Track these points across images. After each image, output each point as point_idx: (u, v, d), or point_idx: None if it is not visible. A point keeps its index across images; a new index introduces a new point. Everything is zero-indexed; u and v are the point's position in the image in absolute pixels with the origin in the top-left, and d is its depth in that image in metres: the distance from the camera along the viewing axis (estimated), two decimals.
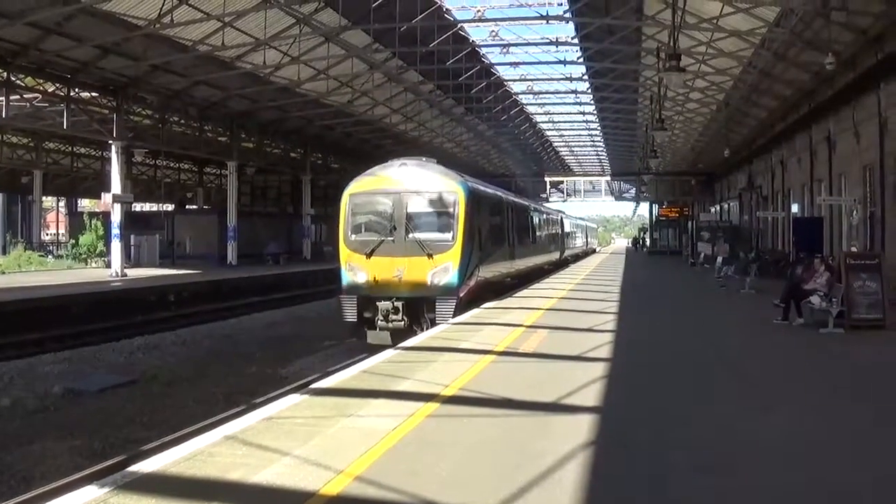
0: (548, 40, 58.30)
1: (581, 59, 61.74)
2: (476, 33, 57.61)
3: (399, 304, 29.38)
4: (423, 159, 33.83)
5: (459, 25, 53.48)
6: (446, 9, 50.48)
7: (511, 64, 65.94)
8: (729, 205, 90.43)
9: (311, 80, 55.09)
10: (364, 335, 30.31)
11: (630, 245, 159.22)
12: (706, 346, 22.69)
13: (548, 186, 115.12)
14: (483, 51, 61.25)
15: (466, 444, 11.54)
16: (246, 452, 10.93)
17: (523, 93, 78.45)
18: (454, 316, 28.34)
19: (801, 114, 48.72)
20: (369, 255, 30.38)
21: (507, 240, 41.76)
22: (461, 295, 30.17)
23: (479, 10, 53.08)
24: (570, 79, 69.30)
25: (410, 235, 30.44)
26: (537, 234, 58.42)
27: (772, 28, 38.35)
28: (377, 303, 29.70)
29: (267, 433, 11.94)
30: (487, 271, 35.08)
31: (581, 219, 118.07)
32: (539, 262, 57.76)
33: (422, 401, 14.05)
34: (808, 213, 51.47)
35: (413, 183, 31.35)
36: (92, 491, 9.51)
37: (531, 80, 73.44)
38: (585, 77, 68.21)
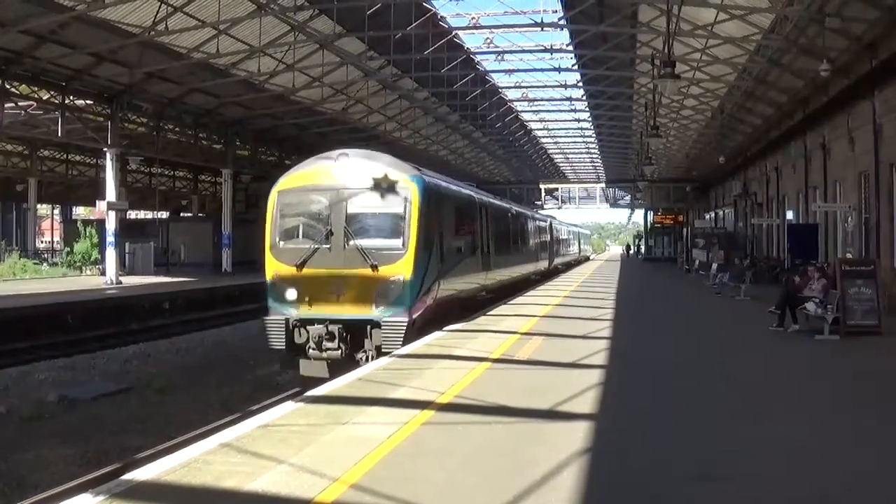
0: (542, 48, 58.30)
1: (576, 67, 61.82)
2: (471, 41, 57.85)
3: (335, 329, 24.03)
4: (373, 152, 28.39)
5: (454, 33, 53.40)
6: (441, 16, 50.42)
7: (506, 71, 65.95)
8: (724, 212, 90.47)
9: (305, 88, 55.11)
10: (297, 365, 25.34)
11: (623, 252, 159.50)
12: (701, 353, 22.68)
13: (543, 193, 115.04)
14: (478, 58, 61.24)
15: (462, 452, 11.51)
16: (241, 460, 10.92)
17: (518, 100, 78.42)
18: (405, 343, 23.06)
19: (796, 120, 48.67)
20: (300, 268, 24.88)
21: (480, 247, 35.72)
22: (415, 316, 24.62)
23: (473, 18, 52.98)
24: (565, 86, 69.30)
25: (351, 242, 24.70)
26: (521, 240, 53.11)
27: (766, 35, 38.42)
28: (308, 327, 24.38)
29: (262, 441, 11.93)
30: (453, 285, 29.52)
31: (574, 225, 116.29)
32: (524, 271, 53.18)
33: (417, 408, 14.03)
34: (803, 220, 51.48)
35: (355, 177, 25.51)
36: (87, 499, 9.48)
37: (526, 87, 73.37)
38: (580, 84, 68.24)
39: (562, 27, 50.40)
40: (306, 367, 24.83)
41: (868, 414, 14.46)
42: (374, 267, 24.46)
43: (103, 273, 55.93)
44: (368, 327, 24.22)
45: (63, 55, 43.24)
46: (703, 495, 9.90)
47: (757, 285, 42.49)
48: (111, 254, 53.55)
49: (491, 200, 42.55)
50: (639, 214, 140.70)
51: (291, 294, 24.92)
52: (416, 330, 24.79)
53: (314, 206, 26.24)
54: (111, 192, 52.79)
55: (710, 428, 13.26)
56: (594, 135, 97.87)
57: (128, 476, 10.59)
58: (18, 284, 50.34)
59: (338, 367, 22.88)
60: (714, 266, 53.26)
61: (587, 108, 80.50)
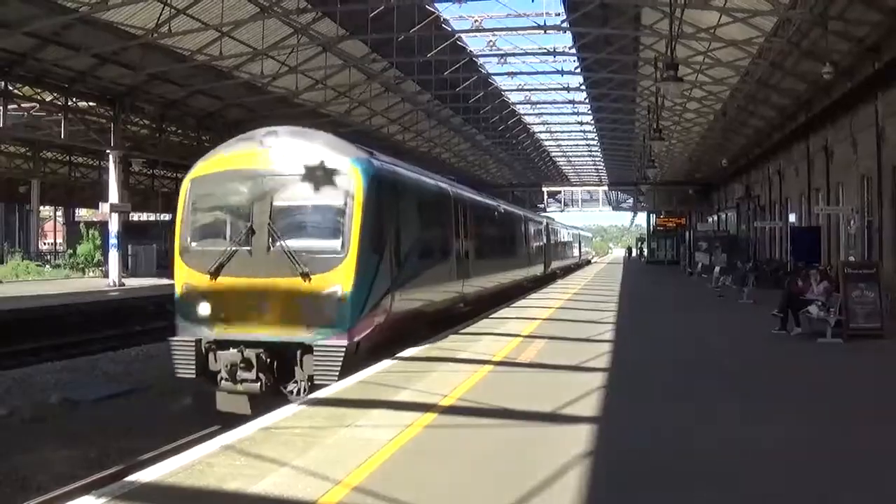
0: (545, 50, 58.36)
1: (579, 69, 61.87)
2: (474, 43, 57.86)
3: (252, 355, 19.37)
4: (310, 130, 22.96)
5: (457, 35, 53.57)
6: (444, 19, 50.56)
7: (509, 74, 66.17)
8: (727, 214, 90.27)
9: (308, 90, 55.24)
10: (214, 397, 20.67)
11: (625, 254, 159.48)
12: (704, 356, 22.59)
13: (545, 196, 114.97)
14: (481, 61, 61.50)
15: (465, 455, 11.52)
16: (244, 462, 10.92)
17: (521, 103, 78.70)
18: (342, 374, 18.42)
19: (799, 123, 48.69)
20: (214, 276, 20.11)
21: (455, 251, 30.66)
22: (358, 338, 19.71)
23: (476, 20, 53.11)
24: (568, 89, 69.46)
25: (277, 244, 19.89)
26: (510, 243, 47.95)
27: (769, 38, 38.41)
28: (220, 352, 19.81)
29: (265, 443, 11.93)
30: (415, 296, 24.45)
31: (574, 227, 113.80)
32: (514, 278, 47.30)
33: (420, 411, 14.01)
34: (805, 223, 51.43)
35: (285, 162, 20.64)
36: (89, 501, 9.50)
37: (529, 90, 73.58)
38: (583, 87, 68.29)
39: (565, 30, 50.53)
40: (224, 402, 20.18)
41: (872, 417, 14.43)
42: (306, 275, 19.43)
43: (106, 275, 56.13)
44: (299, 352, 19.30)
45: (66, 57, 43.26)
46: (708, 498, 9.88)
47: (760, 288, 42.34)
48: (114, 256, 53.77)
49: (471, 196, 36.99)
50: (641, 217, 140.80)
51: (204, 309, 20.17)
52: (363, 355, 19.90)
53: (233, 197, 21.06)
54: (114, 194, 52.95)
55: (713, 430, 13.24)
56: (597, 137, 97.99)
57: (130, 478, 10.57)
58: (21, 286, 50.36)
59: (265, 401, 18.57)
60: (717, 269, 53.20)
61: (590, 111, 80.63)
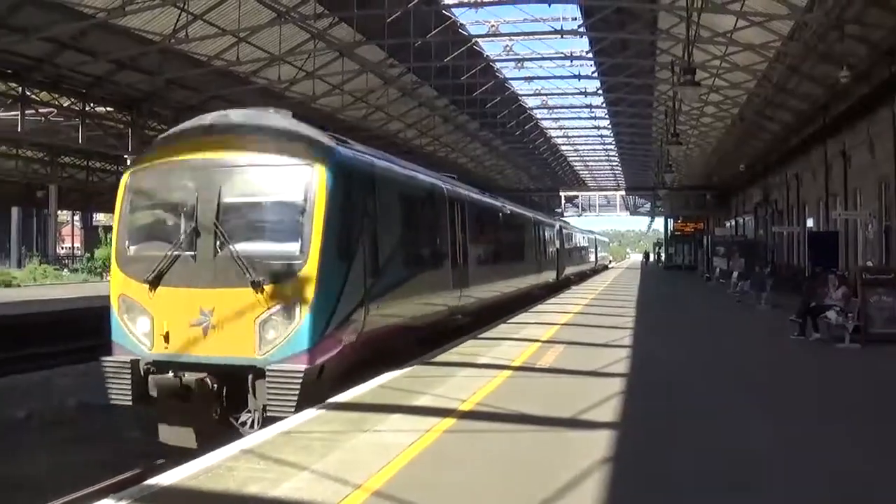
0: (562, 55, 58.35)
1: (595, 74, 61.81)
2: (490, 48, 57.80)
3: (193, 381, 16.30)
4: (272, 110, 19.71)
5: (474, 40, 53.54)
6: (460, 24, 50.55)
7: (525, 79, 66.20)
8: (744, 219, 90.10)
9: (325, 96, 55.21)
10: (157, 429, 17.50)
11: (642, 259, 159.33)
12: (723, 361, 22.51)
13: (562, 201, 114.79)
14: (497, 66, 61.39)
15: (484, 460, 11.51)
16: (264, 466, 10.93)
17: (538, 107, 78.52)
18: (301, 404, 15.38)
19: (816, 127, 48.57)
20: (153, 285, 17.00)
21: (450, 256, 27.56)
22: (322, 360, 16.54)
23: (493, 25, 53.24)
24: (585, 93, 69.42)
25: (225, 248, 16.77)
26: (516, 248, 44.28)
27: (786, 41, 38.35)
28: (156, 376, 16.79)
29: (285, 447, 11.95)
30: (397, 309, 21.20)
31: (590, 231, 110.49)
32: (521, 286, 44.22)
33: (439, 416, 14.03)
34: (823, 228, 51.33)
35: (236, 150, 17.70)
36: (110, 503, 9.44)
37: (546, 94, 73.47)
38: (600, 91, 68.28)
39: (581, 34, 50.51)
40: (167, 433, 17.14)
41: (889, 420, 14.47)
42: (258, 285, 16.31)
43: None
44: (251, 377, 16.26)
45: (83, 62, 43.32)
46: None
47: (778, 293, 42.27)
48: None
49: (470, 195, 32.97)
50: (659, 222, 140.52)
51: (143, 325, 17.15)
52: (330, 381, 17.01)
53: (176, 193, 18.08)
54: None
55: (732, 436, 13.22)
56: (614, 142, 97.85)
57: (150, 481, 10.59)
58: (39, 290, 50.43)
59: (218, 433, 15.91)
60: (735, 274, 53.16)
61: (607, 116, 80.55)
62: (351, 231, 18.23)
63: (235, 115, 18.75)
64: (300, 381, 15.58)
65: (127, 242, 18.01)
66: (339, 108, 58.51)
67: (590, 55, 56.50)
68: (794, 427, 13.91)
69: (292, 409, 15.28)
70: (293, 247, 16.79)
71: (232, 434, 15.16)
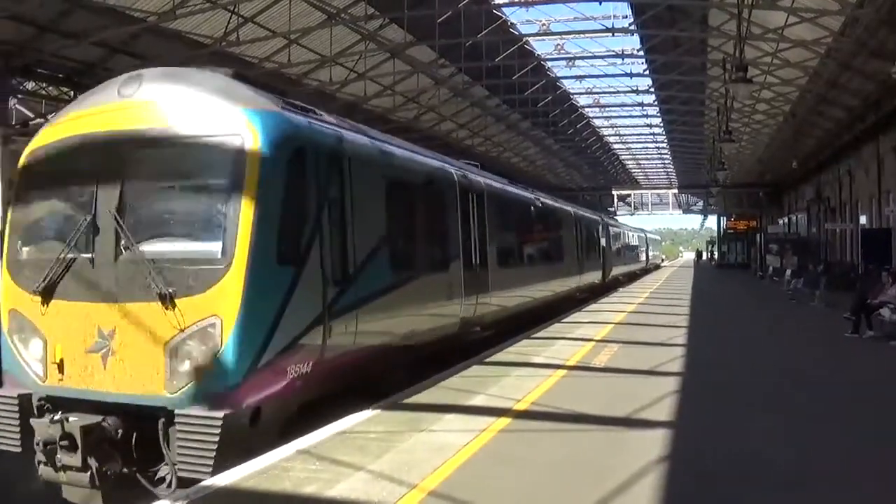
0: (613, 53, 58.24)
1: (647, 72, 61.69)
2: (541, 47, 57.68)
3: (77, 428, 12.13)
4: (208, 69, 15.36)
5: (524, 40, 53.52)
6: (511, 23, 50.52)
7: (577, 77, 65.96)
8: (797, 217, 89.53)
9: (377, 97, 55.28)
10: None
11: (695, 257, 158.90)
12: (777, 360, 22.33)
13: (615, 200, 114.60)
14: (548, 65, 61.29)
15: (540, 460, 11.43)
16: (320, 467, 10.91)
17: (589, 106, 78.31)
18: (223, 462, 11.52)
19: (868, 124, 48.21)
20: (45, 298, 13.18)
21: (461, 256, 22.97)
22: (255, 399, 12.55)
23: (543, 24, 53.20)
24: (637, 91, 69.15)
25: (128, 249, 12.78)
26: (554, 246, 39.88)
27: (837, 38, 38.13)
28: (36, 420, 12.76)
29: (340, 448, 11.92)
30: (377, 326, 16.51)
31: (641, 229, 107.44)
32: (557, 289, 39.22)
33: (494, 416, 13.94)
34: (876, 225, 51.01)
35: (148, 120, 13.29)
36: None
37: (597, 93, 73.34)
38: (652, 89, 68.09)
39: (632, 32, 50.39)
40: (71, 491, 12.89)
41: None
42: (168, 298, 12.27)
43: None
44: (162, 422, 12.18)
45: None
46: (783, 502, 9.89)
47: (831, 291, 42.05)
48: None
49: (491, 184, 28.14)
50: (712, 220, 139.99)
51: (35, 349, 13.26)
52: (274, 425, 13.12)
53: (75, 177, 13.77)
54: None
55: (786, 434, 13.14)
56: (666, 140, 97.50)
57: (207, 482, 10.61)
58: None
59: (130, 492, 12.56)
60: (788, 272, 52.96)
61: (659, 114, 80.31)
62: (302, 224, 14.03)
63: (151, 75, 13.98)
64: (218, 431, 11.59)
65: (19, 243, 14.04)
66: (391, 108, 58.56)
67: (641, 53, 56.30)
68: (852, 428, 13.75)
69: (208, 471, 11.43)
70: (212, 246, 12.66)
71: (146, 496, 12.17)
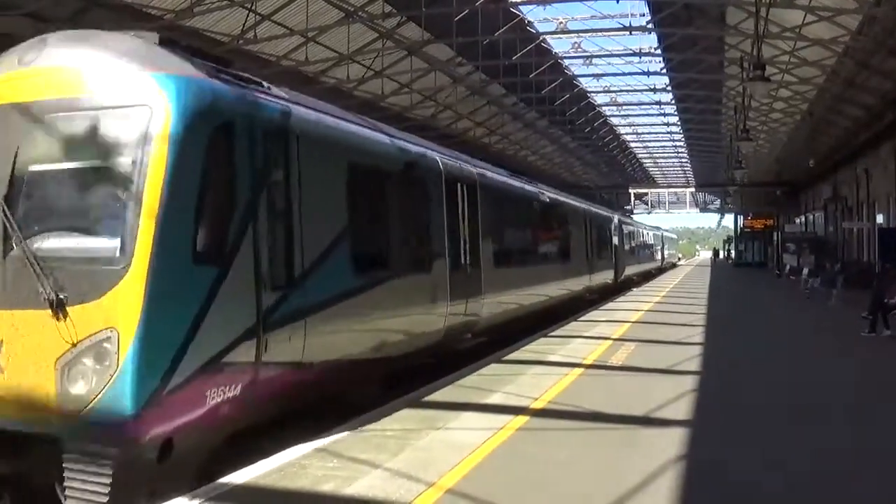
0: (631, 51, 58.17)
1: (664, 70, 61.65)
2: (559, 45, 57.66)
3: None
4: (131, 33, 13.30)
5: (542, 38, 53.54)
6: (528, 21, 50.56)
7: (594, 75, 65.94)
8: (814, 216, 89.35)
9: (394, 95, 55.33)
10: None
11: (712, 256, 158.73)
12: (794, 359, 22.30)
13: (632, 198, 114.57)
14: (566, 63, 61.43)
15: (557, 458, 11.37)
16: (337, 464, 10.87)
17: (606, 104, 78.37)
18: None
19: (885, 122, 48.13)
20: None
21: (445, 254, 20.46)
22: (163, 430, 10.30)
23: (561, 22, 53.14)
24: (654, 90, 69.13)
25: (17, 246, 10.61)
26: (558, 244, 37.03)
27: (854, 36, 38.08)
28: None
29: (358, 445, 11.86)
30: (332, 337, 14.29)
31: (656, 227, 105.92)
32: (564, 290, 36.63)
33: (511, 414, 13.89)
34: (893, 224, 50.90)
35: (48, 89, 11.14)
36: (182, 502, 9.54)
37: (614, 91, 73.39)
38: (669, 88, 68.03)
39: (649, 31, 50.34)
40: None
41: None
42: (59, 305, 10.17)
43: None
44: (53, 454, 10.10)
45: None
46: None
47: (848, 290, 41.98)
48: None
49: (487, 175, 25.60)
50: (729, 219, 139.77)
51: None
52: (193, 459, 10.98)
53: None
54: None
55: (804, 436, 13.07)
56: (683, 139, 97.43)
57: (224, 479, 10.46)
58: None
59: None
60: (805, 271, 52.89)
61: (676, 112, 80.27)
62: (228, 216, 11.69)
63: (56, 38, 11.73)
64: (109, 472, 9.80)
65: None
66: (408, 106, 58.60)
67: (658, 51, 56.25)
68: (871, 427, 13.70)
69: None
70: (109, 242, 10.44)
71: None
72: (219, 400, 11.01)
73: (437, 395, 15.83)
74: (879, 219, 56.12)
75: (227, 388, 11.17)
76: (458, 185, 21.65)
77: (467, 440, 12.10)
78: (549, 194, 36.27)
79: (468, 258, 21.77)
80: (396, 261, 17.78)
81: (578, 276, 40.61)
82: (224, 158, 11.63)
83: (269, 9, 40.09)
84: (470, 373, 18.53)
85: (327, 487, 9.85)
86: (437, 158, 20.92)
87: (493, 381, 17.32)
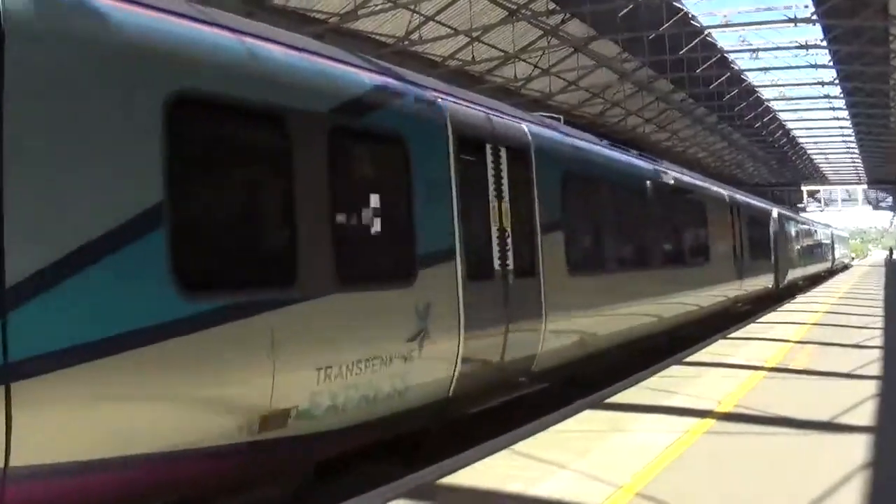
0: (797, 44, 57.92)
1: (831, 63, 61.28)
2: (724, 39, 57.52)
3: None
4: None
5: (706, 32, 53.69)
6: (692, 15, 50.54)
7: (762, 69, 65.59)
8: None
9: (562, 92, 55.67)
10: None
11: (887, 256, 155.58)
12: None
13: (804, 196, 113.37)
14: (732, 57, 61.10)
15: (745, 464, 11.05)
16: (523, 464, 10.87)
17: (775, 99, 77.78)
18: None
19: None
20: None
21: (482, 251, 13.86)
22: None
23: (724, 16, 53.15)
24: (823, 83, 68.58)
25: None
26: (687, 241, 28.34)
27: None
28: None
29: (543, 445, 11.85)
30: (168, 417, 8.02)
31: (826, 224, 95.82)
32: (701, 301, 28.73)
33: (696, 416, 13.70)
34: None
35: None
36: (373, 499, 9.69)
37: (782, 85, 72.93)
38: (836, 81, 67.53)
39: (814, 22, 50.12)
40: None
41: None
42: None
43: None
44: None
45: None
46: None
47: None
48: None
49: (541, 133, 17.34)
50: None
51: None
52: None
53: None
54: None
55: None
56: (853, 133, 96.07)
57: (410, 477, 10.60)
58: None
59: None
60: None
61: (845, 106, 79.42)
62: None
63: None
64: None
65: None
66: (576, 104, 58.99)
67: (824, 43, 56.01)
68: None
69: None
70: None
71: None
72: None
73: (619, 397, 15.68)
74: None
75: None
76: (488, 148, 14.52)
77: (653, 442, 11.96)
78: (673, 174, 27.85)
79: (509, 262, 14.50)
80: (346, 267, 10.63)
81: (722, 284, 32.10)
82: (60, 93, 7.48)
83: (432, 10, 40.90)
84: (651, 374, 18.40)
85: (514, 487, 9.83)
86: (438, 102, 13.62)
87: (675, 382, 17.26)
